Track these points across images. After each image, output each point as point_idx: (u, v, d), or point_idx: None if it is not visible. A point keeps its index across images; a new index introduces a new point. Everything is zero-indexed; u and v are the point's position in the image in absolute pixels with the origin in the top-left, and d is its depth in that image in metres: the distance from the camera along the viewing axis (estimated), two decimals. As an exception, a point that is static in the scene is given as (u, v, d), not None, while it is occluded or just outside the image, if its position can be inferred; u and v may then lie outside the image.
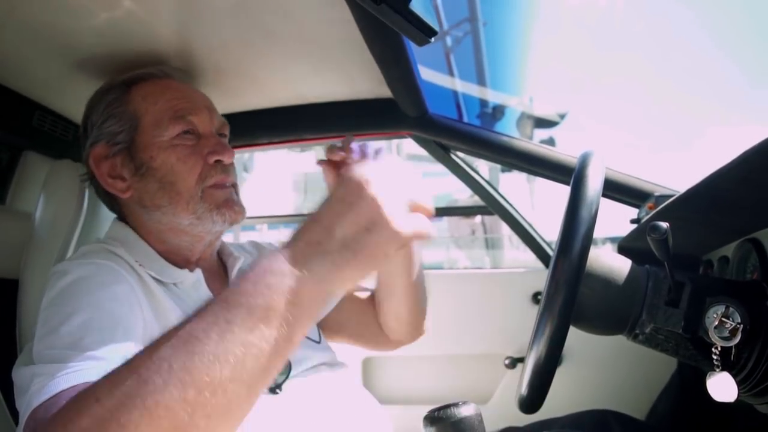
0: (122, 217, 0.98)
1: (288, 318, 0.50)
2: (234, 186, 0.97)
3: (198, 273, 0.93)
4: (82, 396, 0.50)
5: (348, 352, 1.19)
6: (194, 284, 0.92)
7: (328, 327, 1.13)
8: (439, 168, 1.62)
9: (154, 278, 0.87)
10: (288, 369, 0.89)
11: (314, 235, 0.53)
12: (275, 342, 0.50)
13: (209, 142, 0.94)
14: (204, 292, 0.93)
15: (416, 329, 1.13)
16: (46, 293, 0.78)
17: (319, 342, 1.02)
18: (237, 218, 0.94)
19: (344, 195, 0.54)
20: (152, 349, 0.50)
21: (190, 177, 0.91)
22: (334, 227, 0.52)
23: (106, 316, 0.72)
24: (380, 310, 1.11)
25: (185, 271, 0.92)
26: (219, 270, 1.02)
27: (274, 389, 0.84)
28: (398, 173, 0.57)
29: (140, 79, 0.96)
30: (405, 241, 0.53)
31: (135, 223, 0.96)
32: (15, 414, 0.94)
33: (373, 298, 1.14)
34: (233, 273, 0.99)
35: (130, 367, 0.50)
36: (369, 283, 1.14)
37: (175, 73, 1.00)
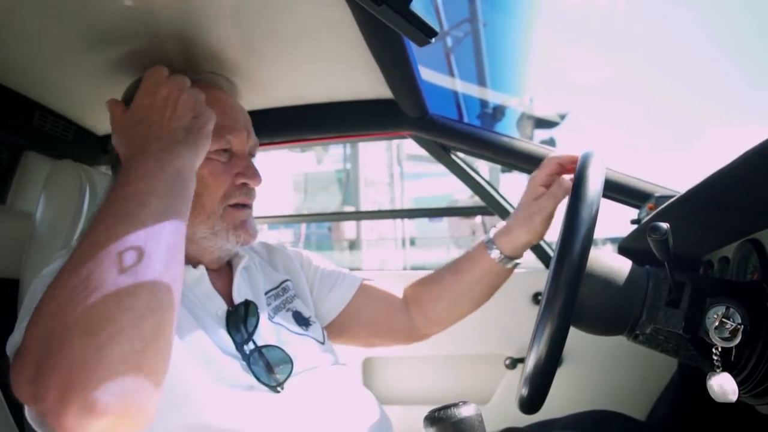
0: None
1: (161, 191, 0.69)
2: (251, 207, 0.99)
3: (201, 269, 0.93)
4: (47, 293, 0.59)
5: (348, 352, 1.19)
6: (197, 280, 0.93)
7: (337, 324, 1.13)
8: (440, 168, 1.63)
9: None
10: (290, 367, 0.89)
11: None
12: (160, 213, 0.66)
13: (241, 163, 0.95)
14: (207, 289, 0.93)
15: (444, 325, 1.18)
16: (46, 268, 0.80)
17: (323, 343, 1.02)
18: (249, 241, 0.97)
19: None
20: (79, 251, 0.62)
21: (216, 193, 0.92)
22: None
23: None
24: (437, 304, 1.14)
25: (188, 267, 0.92)
26: (224, 267, 1.02)
27: (276, 387, 0.84)
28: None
29: (194, 82, 0.94)
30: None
31: None
32: (15, 413, 0.94)
33: (385, 292, 1.16)
34: (237, 271, 1.00)
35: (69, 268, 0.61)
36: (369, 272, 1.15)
37: (225, 86, 1.02)
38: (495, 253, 1.04)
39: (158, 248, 0.63)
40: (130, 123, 0.79)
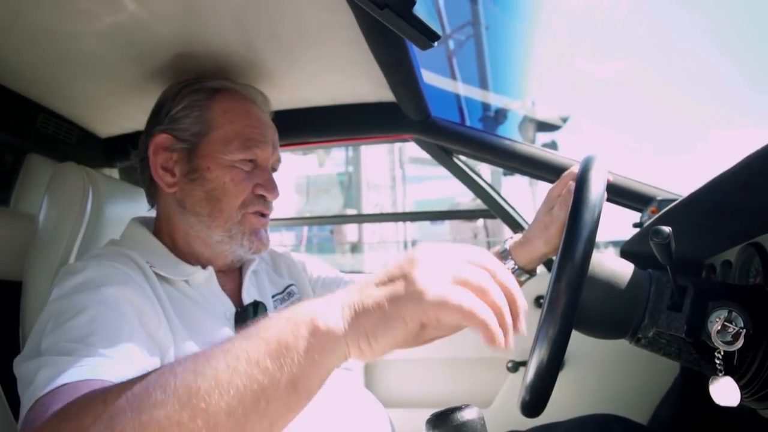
0: (153, 208, 1.03)
1: (296, 358, 0.49)
2: (267, 217, 1.01)
3: (210, 270, 0.95)
4: (92, 397, 0.53)
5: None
6: (206, 281, 0.94)
7: None
8: (442, 171, 1.62)
9: (165, 278, 0.88)
10: None
11: (345, 292, 0.52)
12: (278, 382, 0.49)
13: (263, 175, 0.98)
14: (216, 289, 0.94)
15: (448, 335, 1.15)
16: (55, 289, 0.79)
17: None
18: (260, 250, 0.99)
19: (396, 259, 0.53)
20: (169, 365, 0.52)
21: (236, 200, 0.95)
22: (365, 286, 0.52)
23: (113, 316, 0.74)
24: None
25: (197, 268, 0.93)
26: (234, 270, 1.03)
27: None
28: (462, 252, 0.53)
29: (226, 91, 1.00)
30: (426, 306, 0.48)
31: (164, 217, 0.99)
32: (16, 412, 0.94)
33: None
34: (246, 274, 1.00)
35: (144, 376, 0.52)
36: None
37: (258, 99, 1.04)
38: (509, 264, 1.02)
39: None
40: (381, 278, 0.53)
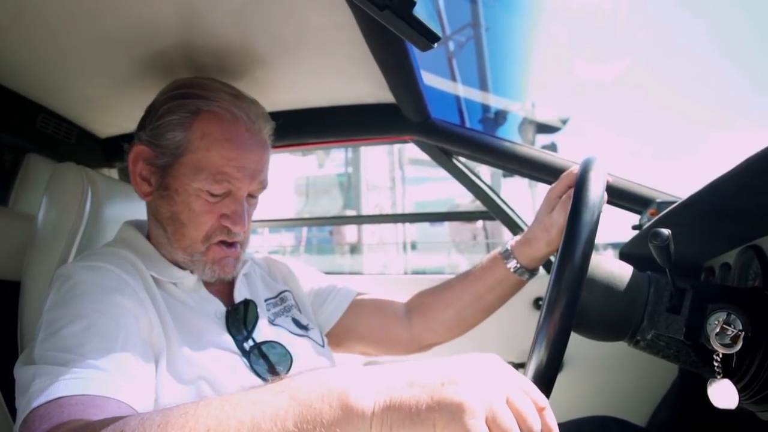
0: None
1: (317, 429, 0.48)
2: (241, 243, 0.98)
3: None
4: (108, 423, 0.54)
5: (349, 355, 1.19)
6: (195, 285, 0.94)
7: (332, 336, 1.13)
8: (441, 173, 1.62)
9: (157, 279, 0.88)
10: (289, 362, 0.90)
11: (388, 376, 0.50)
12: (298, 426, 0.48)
13: (231, 206, 0.94)
14: (204, 292, 0.94)
15: (449, 336, 1.18)
16: (50, 295, 0.79)
17: (322, 346, 1.03)
18: (224, 276, 0.96)
19: (449, 362, 0.51)
20: (194, 405, 0.52)
21: (199, 231, 0.93)
22: (410, 382, 0.49)
23: (108, 324, 0.74)
24: (444, 313, 1.13)
25: (186, 272, 0.93)
26: None
27: None
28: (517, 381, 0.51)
29: (209, 112, 0.93)
30: (460, 425, 0.45)
31: (149, 223, 0.99)
32: (14, 414, 0.94)
33: (382, 304, 1.15)
34: (238, 277, 1.00)
35: (165, 412, 0.52)
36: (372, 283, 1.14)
37: (245, 117, 0.95)
38: (512, 263, 1.03)
39: None
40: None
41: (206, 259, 0.94)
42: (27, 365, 0.69)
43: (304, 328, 1.04)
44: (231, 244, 0.96)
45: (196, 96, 0.94)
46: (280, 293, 1.10)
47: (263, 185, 0.99)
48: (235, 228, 0.94)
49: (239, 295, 0.98)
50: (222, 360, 0.84)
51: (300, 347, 0.97)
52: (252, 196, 1.00)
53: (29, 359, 0.70)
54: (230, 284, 1.00)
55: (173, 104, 0.94)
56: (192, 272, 0.94)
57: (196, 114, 0.93)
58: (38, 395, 0.62)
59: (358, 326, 1.14)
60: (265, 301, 1.04)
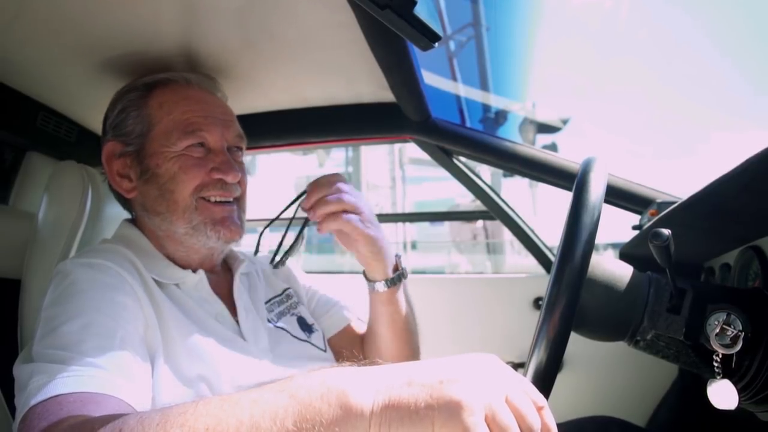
0: (133, 217, 1.00)
1: (316, 427, 0.47)
2: (238, 201, 0.97)
3: (201, 273, 0.94)
4: (107, 420, 0.54)
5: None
6: (196, 285, 0.93)
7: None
8: (442, 172, 1.63)
9: (156, 279, 0.88)
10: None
11: (385, 373, 0.50)
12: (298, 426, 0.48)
13: (217, 158, 0.94)
14: (206, 293, 0.94)
15: None
16: (49, 293, 0.79)
17: (324, 350, 1.02)
18: (232, 237, 0.95)
19: (447, 361, 0.50)
20: (193, 404, 0.52)
21: (188, 186, 0.91)
22: (408, 381, 0.48)
23: (106, 322, 0.73)
24: (367, 350, 1.09)
25: (188, 272, 0.93)
26: (224, 273, 1.03)
27: None
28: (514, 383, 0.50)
29: (161, 84, 0.97)
30: (458, 424, 0.45)
31: (140, 223, 0.98)
32: (15, 412, 0.93)
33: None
34: (236, 276, 1.00)
35: (164, 411, 0.52)
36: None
37: (198, 81, 1.00)
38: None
39: None
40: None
41: (204, 219, 0.92)
42: (26, 363, 0.69)
43: (309, 328, 1.04)
44: (228, 202, 0.95)
45: (143, 78, 0.98)
46: (284, 291, 1.09)
47: (241, 138, 1.00)
48: (227, 176, 0.93)
49: (239, 297, 0.97)
50: (222, 362, 0.84)
51: (300, 353, 0.97)
52: (237, 148, 0.99)
53: (28, 357, 0.70)
54: (230, 284, 1.00)
55: (123, 93, 0.98)
56: (194, 271, 0.94)
57: (149, 91, 0.96)
58: (37, 393, 0.62)
59: (343, 348, 1.09)
60: (268, 302, 1.04)
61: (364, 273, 1.01)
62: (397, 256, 1.00)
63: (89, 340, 0.70)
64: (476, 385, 0.47)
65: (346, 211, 0.91)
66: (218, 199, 0.94)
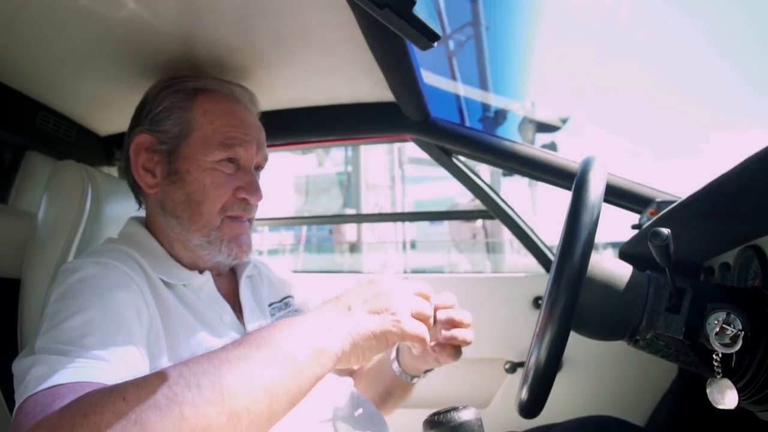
0: (144, 210, 1.01)
1: (297, 368, 0.63)
2: (250, 221, 0.99)
3: (207, 275, 0.94)
4: (107, 393, 0.55)
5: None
6: (202, 285, 0.93)
7: None
8: (441, 172, 1.63)
9: (164, 280, 0.87)
10: None
11: (334, 305, 0.73)
12: (285, 380, 0.61)
13: (245, 177, 0.96)
14: (212, 293, 0.94)
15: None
16: (55, 289, 0.79)
17: None
18: (241, 257, 0.97)
19: (371, 287, 0.77)
20: (184, 365, 0.58)
21: (216, 204, 0.93)
22: (352, 303, 0.73)
23: (111, 318, 0.73)
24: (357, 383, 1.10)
25: (194, 273, 0.93)
26: (229, 275, 1.03)
27: None
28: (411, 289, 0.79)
29: (208, 91, 0.98)
30: (405, 336, 0.73)
31: (151, 220, 0.98)
32: (12, 409, 0.94)
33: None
34: (242, 278, 1.00)
35: (160, 376, 0.56)
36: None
37: (244, 98, 1.01)
38: (395, 366, 1.03)
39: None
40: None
41: (222, 236, 0.93)
42: (26, 357, 0.68)
43: None
44: (244, 221, 0.97)
45: (191, 80, 0.99)
46: (284, 298, 1.09)
47: (266, 159, 1.03)
48: (253, 197, 0.96)
49: (245, 299, 0.98)
50: None
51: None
52: (258, 168, 1.02)
53: (30, 352, 0.70)
54: (235, 286, 1.00)
55: (169, 91, 0.97)
56: (201, 272, 0.94)
57: (194, 95, 0.96)
58: (36, 382, 0.61)
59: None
60: (270, 305, 1.04)
61: (398, 362, 1.03)
62: None
63: (93, 335, 0.69)
64: (403, 305, 0.75)
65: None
66: (237, 215, 0.96)
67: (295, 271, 1.42)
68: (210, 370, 0.57)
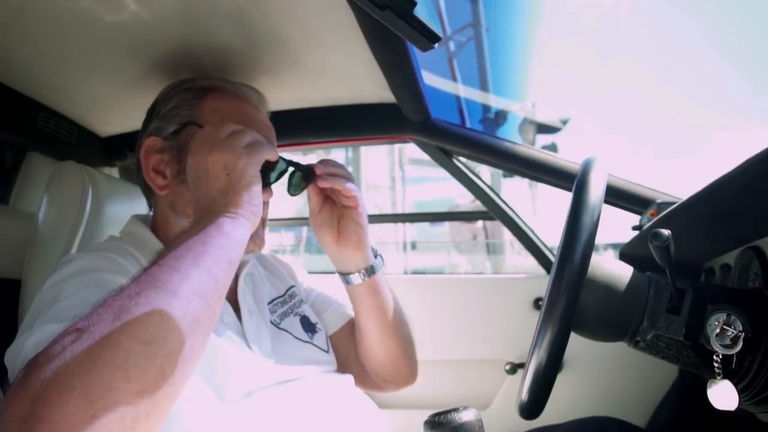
0: (150, 212, 1.01)
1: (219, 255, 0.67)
2: (263, 220, 0.97)
3: None
4: (64, 332, 0.56)
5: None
6: None
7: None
8: (441, 173, 1.63)
9: None
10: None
11: (227, 204, 0.74)
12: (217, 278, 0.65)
13: None
14: None
15: (400, 373, 1.10)
16: (51, 277, 0.79)
17: (326, 351, 1.02)
18: (255, 250, 0.96)
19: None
20: (121, 289, 0.59)
21: None
22: (204, 195, 0.77)
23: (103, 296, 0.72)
24: (359, 350, 1.09)
25: None
26: None
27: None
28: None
29: (217, 90, 0.97)
30: (241, 154, 0.77)
31: (160, 219, 0.97)
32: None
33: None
34: (241, 277, 1.00)
35: (106, 304, 0.58)
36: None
37: (253, 97, 1.01)
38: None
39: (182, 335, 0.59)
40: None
41: None
42: (18, 339, 0.68)
43: (312, 328, 1.03)
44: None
45: (200, 80, 0.99)
46: (288, 290, 1.09)
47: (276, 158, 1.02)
48: (263, 195, 0.94)
49: (243, 297, 0.97)
50: (223, 363, 0.84)
51: (301, 356, 0.96)
52: None
53: (21, 333, 0.69)
54: (234, 284, 1.00)
55: (178, 90, 0.97)
56: None
57: (203, 94, 0.96)
58: (33, 348, 0.61)
59: (338, 352, 1.09)
60: (271, 302, 1.03)
61: (338, 272, 1.02)
62: (373, 249, 1.03)
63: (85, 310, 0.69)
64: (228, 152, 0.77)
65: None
66: None
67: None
68: (144, 290, 0.59)
